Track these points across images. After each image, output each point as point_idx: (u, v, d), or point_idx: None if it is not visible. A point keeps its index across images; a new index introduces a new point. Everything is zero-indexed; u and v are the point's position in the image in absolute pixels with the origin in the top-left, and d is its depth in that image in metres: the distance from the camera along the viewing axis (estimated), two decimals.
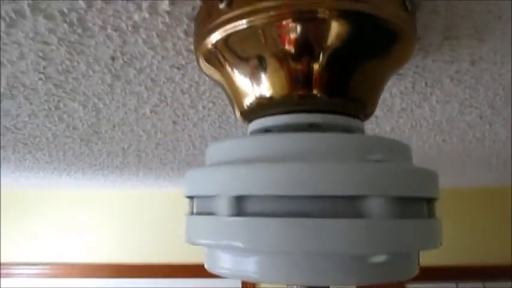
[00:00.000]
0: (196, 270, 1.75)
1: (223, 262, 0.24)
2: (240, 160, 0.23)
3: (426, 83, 0.43)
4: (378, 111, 0.52)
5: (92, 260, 1.75)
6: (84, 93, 0.45)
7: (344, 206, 0.21)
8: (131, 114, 0.52)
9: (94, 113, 0.52)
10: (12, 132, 0.64)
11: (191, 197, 0.26)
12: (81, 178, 1.34)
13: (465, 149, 0.82)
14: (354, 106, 0.27)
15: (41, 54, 0.35)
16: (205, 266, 0.26)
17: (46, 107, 0.50)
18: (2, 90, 0.44)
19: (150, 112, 0.51)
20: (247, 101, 0.28)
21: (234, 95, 0.29)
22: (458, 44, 0.34)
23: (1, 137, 0.67)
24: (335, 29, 0.25)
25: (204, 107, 0.49)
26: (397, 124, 0.59)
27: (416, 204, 0.24)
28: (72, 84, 0.42)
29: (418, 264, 0.26)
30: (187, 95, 0.45)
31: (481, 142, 0.75)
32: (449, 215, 1.80)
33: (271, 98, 0.26)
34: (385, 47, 0.27)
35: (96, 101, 0.47)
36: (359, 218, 0.21)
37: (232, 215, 0.22)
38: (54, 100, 0.47)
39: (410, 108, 0.52)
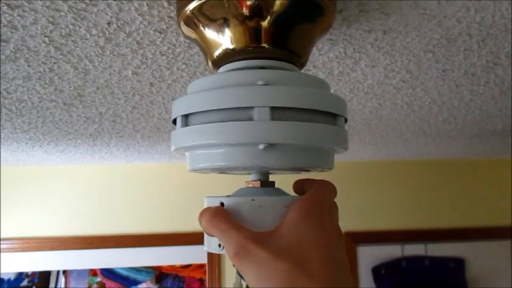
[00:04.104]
0: (162, 239, 1.86)
1: (201, 159, 0.35)
2: (211, 88, 0.35)
3: (354, 49, 0.55)
4: (320, 74, 0.64)
5: (60, 234, 1.81)
6: (78, 55, 0.54)
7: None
8: (115, 76, 0.62)
9: (82, 74, 0.61)
10: (3, 97, 0.72)
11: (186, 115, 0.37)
12: (52, 151, 1.41)
13: (399, 114, 0.96)
14: (292, 56, 0.39)
15: (51, 19, 0.44)
16: (188, 168, 0.37)
17: (41, 69, 0.59)
18: (8, 53, 0.53)
19: (132, 74, 0.61)
20: (216, 53, 0.39)
21: (206, 48, 0.39)
22: (370, 16, 0.46)
23: None
24: (278, 0, 0.36)
25: (178, 69, 0.59)
26: (338, 87, 0.72)
27: (327, 116, 0.35)
28: (70, 47, 0.51)
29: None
30: (165, 57, 0.55)
31: (410, 107, 0.89)
32: (396, 185, 1.98)
33: (233, 49, 0.38)
34: (312, 15, 0.38)
35: (87, 62, 0.57)
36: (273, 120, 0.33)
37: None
38: (50, 62, 0.56)
39: (346, 71, 0.64)
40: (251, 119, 0.32)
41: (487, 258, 1.98)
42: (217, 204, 0.35)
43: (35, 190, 1.82)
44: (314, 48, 0.54)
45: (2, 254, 1.78)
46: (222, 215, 0.33)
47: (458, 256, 1.98)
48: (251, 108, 0.33)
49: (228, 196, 0.36)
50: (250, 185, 0.38)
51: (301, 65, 0.41)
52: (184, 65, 0.58)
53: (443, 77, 0.69)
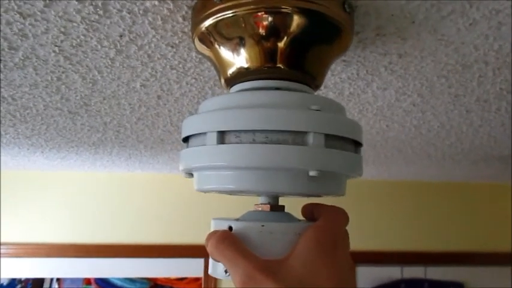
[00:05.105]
0: (159, 250, 1.83)
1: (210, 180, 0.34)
2: (226, 107, 0.34)
3: (367, 71, 0.55)
4: (331, 94, 0.64)
5: (56, 241, 1.79)
6: (87, 66, 0.53)
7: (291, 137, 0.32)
8: (123, 87, 0.61)
9: (90, 84, 0.60)
10: (7, 103, 0.71)
11: (187, 137, 0.36)
12: (53, 157, 1.39)
13: (406, 136, 0.95)
14: (307, 77, 0.38)
15: (62, 29, 0.43)
16: (195, 188, 0.36)
17: (49, 78, 0.58)
18: (16, 60, 0.52)
19: (140, 86, 0.60)
20: (230, 71, 0.38)
21: (220, 66, 0.39)
22: (387, 40, 0.45)
23: None
24: (295, 21, 0.36)
25: (187, 83, 0.58)
26: (347, 107, 0.71)
27: (343, 142, 0.34)
28: (79, 57, 0.50)
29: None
30: (175, 71, 0.54)
31: (418, 130, 0.88)
32: (397, 205, 1.96)
33: (247, 68, 0.37)
34: (330, 36, 0.38)
35: (96, 73, 0.56)
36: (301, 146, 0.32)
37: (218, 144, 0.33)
38: (58, 71, 0.55)
39: (357, 93, 0.63)
40: (265, 142, 0.31)
41: (487, 283, 1.95)
42: (225, 227, 0.34)
43: (33, 195, 1.80)
44: None
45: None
46: (230, 241, 0.32)
47: (457, 280, 1.95)
48: (267, 131, 0.31)
49: (236, 220, 0.35)
50: (260, 209, 0.37)
51: (316, 86, 0.40)
52: (193, 80, 0.57)
53: (454, 102, 0.68)
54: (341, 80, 0.58)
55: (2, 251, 1.75)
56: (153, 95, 0.65)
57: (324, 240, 0.31)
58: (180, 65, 0.52)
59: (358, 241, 1.89)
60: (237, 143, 0.32)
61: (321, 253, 0.30)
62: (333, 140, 0.33)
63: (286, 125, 0.31)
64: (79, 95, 0.66)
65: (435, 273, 1.94)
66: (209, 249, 0.33)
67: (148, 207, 1.84)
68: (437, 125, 0.84)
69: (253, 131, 0.32)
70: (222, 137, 0.33)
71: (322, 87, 0.60)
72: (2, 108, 0.74)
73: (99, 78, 0.58)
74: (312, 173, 0.31)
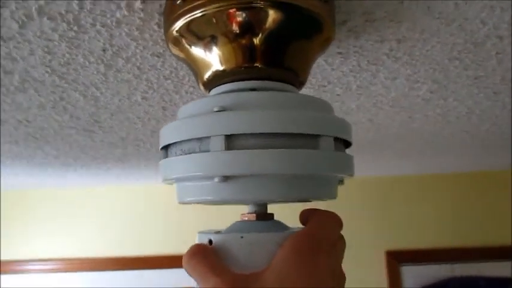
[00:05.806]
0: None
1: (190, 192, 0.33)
2: (199, 113, 0.32)
3: (368, 61, 0.51)
4: (337, 90, 0.60)
5: (96, 255, 1.83)
6: (83, 83, 0.53)
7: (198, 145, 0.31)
8: (125, 102, 0.61)
9: (93, 101, 0.60)
10: (25, 126, 0.73)
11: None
12: (86, 174, 1.43)
13: (434, 126, 0.89)
14: (288, 75, 0.35)
15: (46, 49, 0.43)
16: (177, 201, 0.35)
17: (52, 98, 0.59)
18: (16, 84, 0.53)
19: (142, 99, 0.60)
20: (206, 74, 0.36)
21: (196, 70, 0.37)
22: (379, 25, 0.42)
23: (14, 131, 0.76)
24: (270, 15, 0.33)
25: (186, 92, 0.57)
26: (359, 102, 0.67)
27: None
28: (72, 75, 0.50)
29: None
30: (169, 81, 0.53)
31: (445, 118, 0.83)
32: (444, 200, 1.87)
33: (223, 70, 0.35)
34: (308, 29, 0.35)
35: (94, 90, 0.56)
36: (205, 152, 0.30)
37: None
38: (58, 91, 0.56)
39: (365, 85, 0.60)
40: (180, 154, 0.32)
41: None
42: (205, 241, 0.32)
43: (57, 212, 1.86)
44: (324, 63, 0.50)
45: (39, 274, 1.82)
46: (202, 256, 0.30)
47: None
48: (180, 142, 0.32)
49: (217, 232, 0.33)
50: (246, 218, 0.35)
51: (300, 84, 0.37)
52: (192, 88, 0.56)
53: (476, 85, 0.63)
54: (343, 73, 0.54)
55: (29, 267, 1.81)
56: (157, 107, 0.64)
57: (303, 248, 0.28)
58: (173, 74, 0.51)
59: (400, 240, 1.81)
60: (172, 156, 0.33)
61: (297, 263, 0.27)
62: (248, 140, 0.30)
63: (190, 133, 0.32)
64: (87, 113, 0.66)
65: (490, 269, 1.82)
66: (183, 264, 0.31)
67: (174, 219, 1.83)
68: (465, 111, 0.79)
69: (175, 144, 0.33)
70: (166, 151, 0.35)
71: (326, 83, 0.57)
72: (20, 130, 0.77)
73: (99, 94, 0.58)
74: (215, 179, 0.30)
